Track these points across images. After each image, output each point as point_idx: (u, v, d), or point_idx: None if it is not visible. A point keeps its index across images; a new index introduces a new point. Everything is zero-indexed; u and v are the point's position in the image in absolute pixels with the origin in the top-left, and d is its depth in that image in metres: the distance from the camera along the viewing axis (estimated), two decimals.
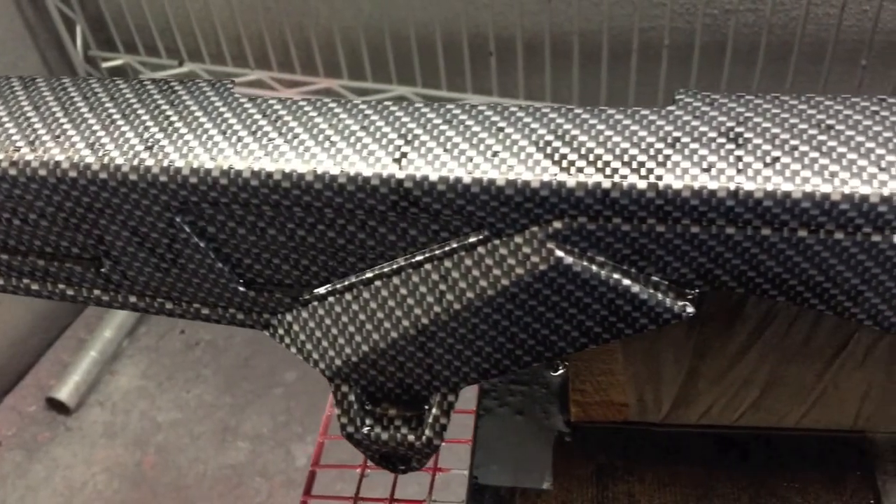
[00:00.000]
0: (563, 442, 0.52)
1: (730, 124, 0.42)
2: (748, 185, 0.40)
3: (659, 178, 0.40)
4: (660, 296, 0.43)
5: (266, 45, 1.31)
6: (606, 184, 0.41)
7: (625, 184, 0.40)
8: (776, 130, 0.42)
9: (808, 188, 0.39)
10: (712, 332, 0.47)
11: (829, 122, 0.42)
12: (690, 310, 0.43)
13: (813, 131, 0.42)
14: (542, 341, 0.46)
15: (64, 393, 1.46)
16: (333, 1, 1.23)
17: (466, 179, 0.41)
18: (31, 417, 1.46)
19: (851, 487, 0.48)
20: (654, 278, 0.43)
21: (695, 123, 0.43)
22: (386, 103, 0.46)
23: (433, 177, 0.41)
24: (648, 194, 0.40)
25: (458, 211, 0.42)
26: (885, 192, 0.39)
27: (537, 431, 0.53)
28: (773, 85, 1.10)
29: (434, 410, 0.49)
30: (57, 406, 1.47)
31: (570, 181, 0.41)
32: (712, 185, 0.40)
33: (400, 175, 0.42)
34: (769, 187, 0.40)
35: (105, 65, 1.41)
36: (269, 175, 0.42)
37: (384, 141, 0.43)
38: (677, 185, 0.40)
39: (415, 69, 1.25)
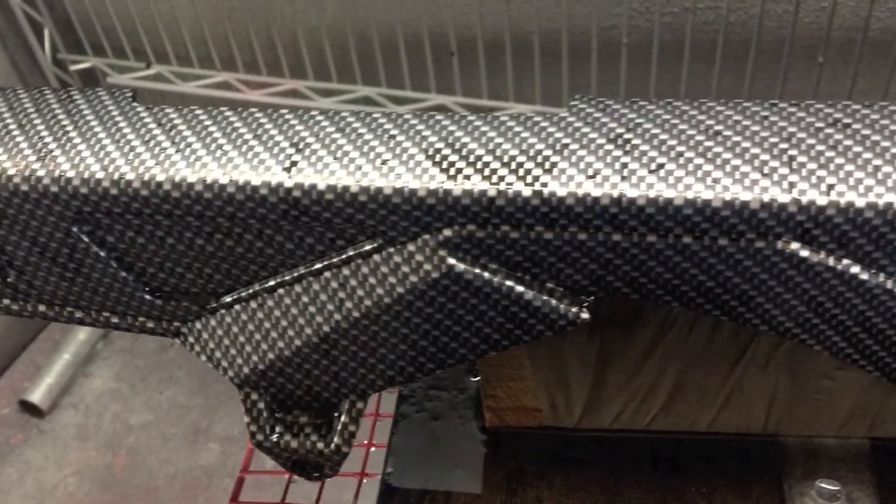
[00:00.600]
0: (478, 447, 0.52)
1: (619, 130, 0.42)
2: (631, 193, 0.40)
3: (544, 185, 0.40)
4: (554, 302, 0.43)
5: (232, 47, 1.31)
6: (492, 191, 0.41)
7: (510, 191, 0.40)
8: (664, 137, 0.42)
9: (689, 195, 0.39)
10: (614, 338, 0.47)
11: (718, 127, 0.42)
12: (585, 316, 0.43)
13: (700, 137, 0.42)
14: (442, 348, 0.46)
15: (37, 395, 1.47)
16: (297, 2, 1.23)
17: (354, 188, 0.41)
18: (3, 420, 1.47)
19: (758, 492, 0.48)
20: (549, 285, 0.43)
21: (585, 130, 0.43)
22: (282, 111, 0.45)
23: (321, 185, 0.41)
24: (533, 202, 0.40)
25: (349, 219, 0.42)
26: (766, 198, 0.39)
27: (452, 436, 0.53)
28: (734, 82, 1.10)
29: (343, 417, 0.50)
30: (30, 408, 1.47)
31: (456, 189, 0.41)
32: (596, 193, 0.40)
33: (288, 184, 0.42)
34: (651, 194, 0.40)
35: (74, 67, 1.41)
36: (160, 185, 0.42)
37: (276, 150, 0.43)
38: (562, 192, 0.40)
39: (379, 70, 1.25)
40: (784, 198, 0.39)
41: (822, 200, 0.39)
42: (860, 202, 0.38)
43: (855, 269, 0.40)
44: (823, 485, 0.42)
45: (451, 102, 1.23)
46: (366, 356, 0.47)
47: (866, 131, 0.41)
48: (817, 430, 0.51)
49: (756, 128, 0.42)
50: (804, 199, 0.39)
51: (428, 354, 0.46)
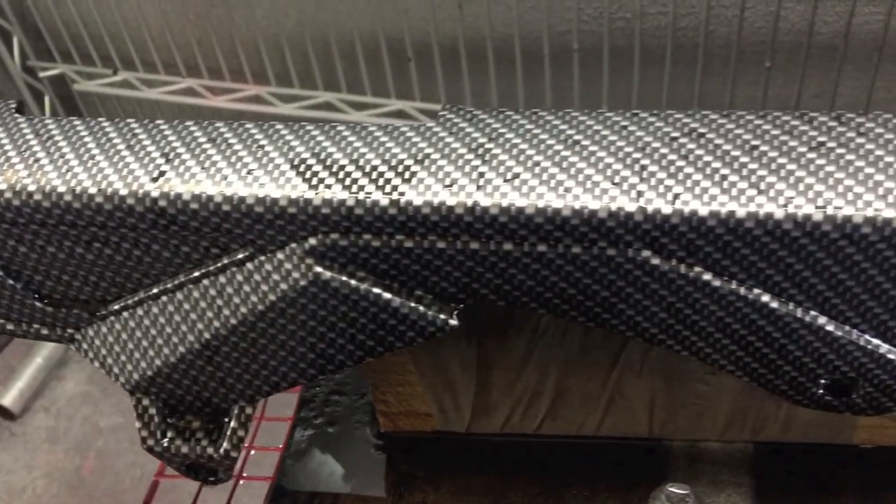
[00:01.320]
0: (371, 451, 0.53)
1: (482, 140, 0.43)
2: (485, 202, 0.40)
3: (402, 194, 0.41)
4: (422, 309, 0.44)
5: (195, 54, 1.32)
6: (351, 201, 0.41)
7: (368, 201, 0.41)
8: (524, 146, 0.42)
9: (540, 203, 0.40)
10: (492, 344, 0.48)
11: (577, 137, 0.43)
12: (453, 322, 0.44)
13: (559, 147, 0.42)
14: (321, 354, 0.46)
15: (9, 399, 1.48)
16: (258, 10, 1.24)
17: (218, 198, 0.42)
18: None
19: (639, 494, 0.48)
20: (418, 292, 0.44)
21: (449, 140, 0.43)
22: (158, 122, 0.46)
23: (186, 195, 0.42)
24: (391, 211, 0.41)
25: (216, 229, 0.43)
26: (613, 207, 0.40)
27: (347, 441, 0.54)
28: (687, 87, 1.10)
29: (232, 423, 0.50)
30: (2, 412, 1.49)
31: (316, 199, 0.42)
32: (451, 202, 0.41)
33: (155, 193, 0.43)
34: (504, 203, 0.40)
35: (43, 74, 1.42)
36: (30, 195, 0.43)
37: (146, 160, 0.44)
38: (418, 201, 0.41)
39: (339, 76, 1.25)
40: (631, 207, 0.39)
41: (667, 209, 0.39)
42: (703, 211, 0.39)
43: (707, 277, 0.41)
44: (672, 489, 0.43)
45: (411, 108, 1.23)
46: (249, 362, 0.48)
47: (718, 140, 0.42)
48: (701, 434, 0.51)
49: (613, 137, 0.43)
50: (650, 208, 0.39)
51: (307, 360, 0.47)
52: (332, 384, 0.57)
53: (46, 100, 1.46)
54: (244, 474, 0.57)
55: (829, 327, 0.42)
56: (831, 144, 0.41)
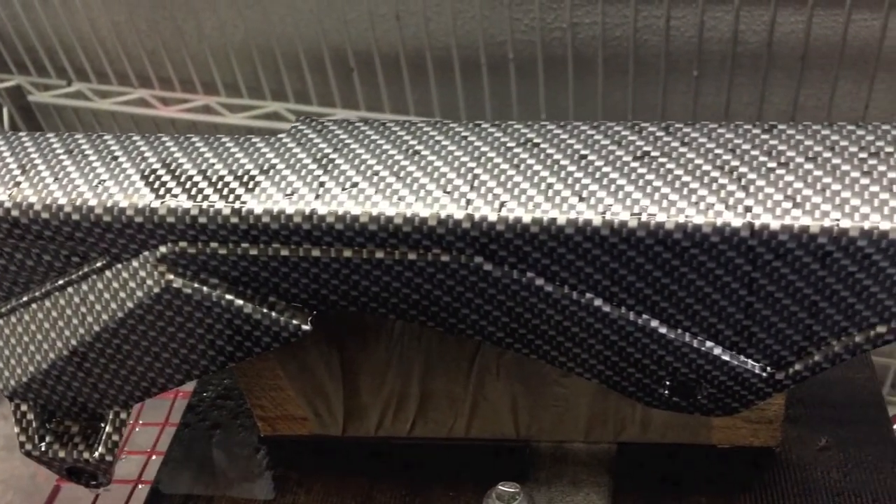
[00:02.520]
0: (249, 455, 0.54)
1: (327, 151, 0.45)
2: (322, 210, 0.42)
3: (244, 203, 0.42)
4: (274, 315, 0.45)
5: (146, 65, 1.34)
6: (195, 210, 0.43)
7: (211, 210, 0.43)
8: (367, 157, 0.44)
9: (374, 212, 0.41)
10: (353, 348, 0.49)
11: (419, 147, 0.44)
12: (307, 328, 0.45)
13: (399, 157, 0.44)
14: (184, 360, 0.48)
15: None
16: (204, 24, 1.25)
17: (68, 207, 0.44)
18: None
19: None
20: (272, 298, 0.45)
21: (296, 150, 0.45)
22: (19, 133, 0.48)
23: (38, 205, 0.44)
24: (233, 219, 0.42)
25: (70, 238, 0.45)
26: (443, 214, 0.41)
27: (228, 445, 0.55)
28: (623, 96, 1.12)
29: (107, 427, 0.52)
30: None
31: (162, 208, 0.43)
32: (290, 210, 0.42)
33: (8, 204, 0.44)
34: (340, 211, 0.42)
35: (0, 86, 1.44)
36: None
37: (3, 171, 0.45)
38: (258, 210, 0.42)
39: (286, 86, 1.27)
40: (459, 214, 0.41)
41: (493, 216, 0.41)
42: (527, 218, 0.40)
43: (539, 282, 0.42)
44: (502, 487, 0.44)
45: (356, 117, 1.25)
46: (117, 368, 0.49)
47: (551, 150, 0.43)
48: (565, 435, 0.52)
49: (452, 147, 0.44)
50: (477, 216, 0.41)
51: (173, 366, 0.48)
52: (220, 388, 0.59)
53: (5, 111, 1.47)
54: (142, 479, 0.58)
55: (663, 330, 0.44)
56: (655, 154, 0.42)
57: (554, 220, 0.40)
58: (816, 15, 0.99)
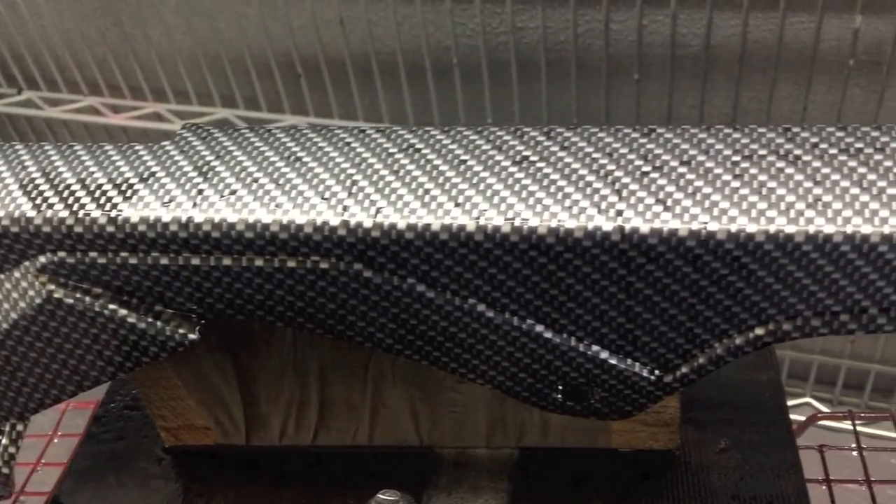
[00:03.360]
0: (152, 465, 0.54)
1: (209, 158, 0.44)
2: (199, 218, 0.41)
3: (120, 211, 0.42)
4: (159, 324, 0.45)
5: (96, 73, 1.33)
6: (70, 219, 0.42)
7: (87, 219, 0.42)
8: (248, 163, 0.44)
9: (251, 219, 0.41)
10: (246, 356, 0.49)
11: (301, 154, 0.44)
12: (193, 336, 0.45)
13: (281, 164, 0.44)
14: (74, 370, 0.47)
15: None
16: (151, 31, 1.25)
17: None
18: None
19: None
20: (157, 307, 0.45)
21: (178, 158, 0.44)
22: None
23: None
24: (108, 228, 0.42)
25: None
26: (319, 221, 0.41)
27: (131, 455, 0.55)
28: (566, 101, 1.12)
29: (3, 440, 0.51)
30: None
31: (38, 217, 0.42)
32: (167, 218, 0.42)
33: None
34: (217, 219, 0.41)
35: None
36: None
37: None
38: (135, 218, 0.42)
39: (234, 92, 1.27)
40: (335, 220, 0.41)
41: (368, 223, 0.40)
42: (402, 223, 0.40)
43: (421, 288, 0.42)
44: (381, 495, 0.44)
45: (305, 123, 1.24)
46: (8, 380, 0.48)
47: (432, 156, 0.43)
48: (468, 441, 0.52)
49: (335, 154, 0.44)
50: (353, 222, 0.40)
51: (63, 377, 0.48)
52: (127, 399, 0.58)
53: None
54: (26, 490, 0.58)
55: (548, 335, 0.43)
56: (534, 158, 0.42)
57: (428, 225, 0.40)
58: (753, 17, 0.99)
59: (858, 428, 0.61)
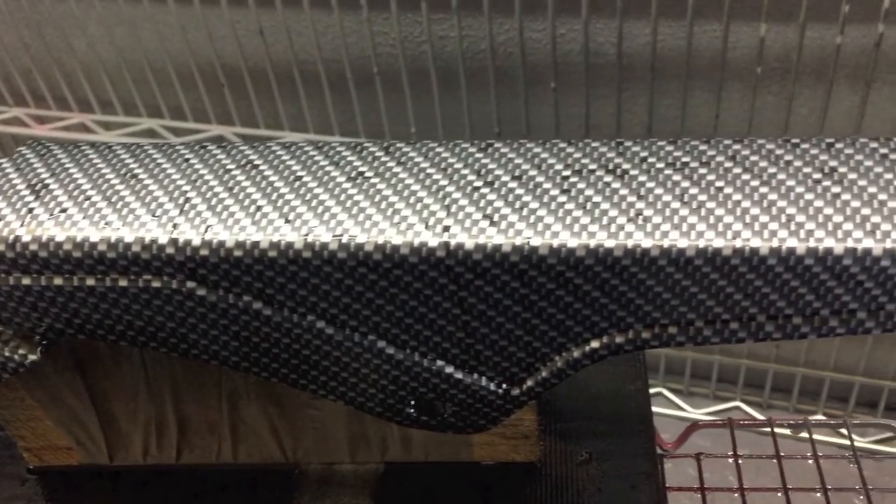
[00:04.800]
0: (15, 487, 0.53)
1: (44, 176, 0.44)
2: (26, 237, 0.41)
3: None
4: (1, 346, 0.44)
5: (20, 83, 1.31)
6: None
7: None
8: (82, 181, 0.43)
9: (79, 237, 0.41)
10: (101, 375, 0.48)
11: (137, 171, 0.44)
12: (34, 357, 0.44)
13: (115, 181, 0.43)
14: None
15: None
16: (72, 41, 1.23)
17: None
18: None
19: None
20: None
21: (12, 176, 0.44)
22: None
23: None
24: None
25: None
26: (147, 238, 0.40)
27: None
28: (489, 110, 1.12)
29: None
30: None
31: None
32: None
33: None
34: (44, 237, 0.41)
35: None
36: None
37: None
38: None
39: (159, 102, 1.26)
40: (164, 239, 0.40)
41: (197, 241, 0.40)
42: (230, 241, 0.40)
43: (257, 306, 0.42)
44: None
45: (230, 133, 1.24)
46: None
47: (269, 172, 0.43)
48: (333, 457, 0.52)
49: (172, 170, 0.43)
50: (182, 240, 0.40)
51: None
52: None
53: None
54: None
55: (391, 350, 0.43)
56: (369, 174, 0.42)
57: (257, 242, 0.40)
58: (663, 25, 1.00)
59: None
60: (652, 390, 1.36)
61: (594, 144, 0.42)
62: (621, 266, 0.38)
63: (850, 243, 0.36)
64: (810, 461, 0.59)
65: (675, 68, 1.04)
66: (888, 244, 0.36)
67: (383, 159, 0.43)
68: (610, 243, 0.38)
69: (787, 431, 1.14)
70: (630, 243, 0.38)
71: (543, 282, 0.39)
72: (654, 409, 1.46)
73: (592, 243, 0.38)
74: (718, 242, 0.37)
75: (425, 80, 1.12)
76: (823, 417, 1.30)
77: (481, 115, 1.14)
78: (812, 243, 0.37)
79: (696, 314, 0.40)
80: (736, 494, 0.57)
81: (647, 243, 0.38)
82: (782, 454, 0.59)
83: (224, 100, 1.22)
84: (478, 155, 0.43)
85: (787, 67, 1.00)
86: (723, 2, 0.93)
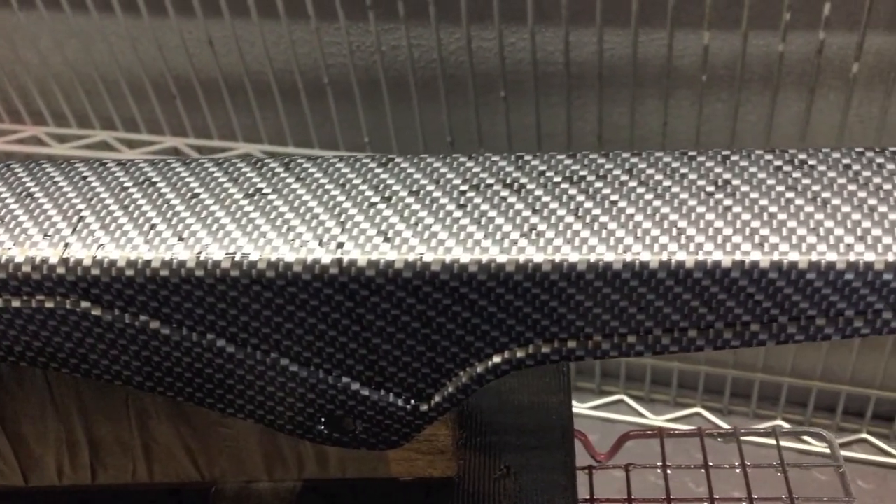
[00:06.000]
0: None
1: None
2: None
3: None
4: None
5: None
6: None
7: None
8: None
9: None
10: (6, 396, 0.48)
11: (33, 189, 0.43)
12: None
13: (10, 199, 0.42)
14: None
15: None
16: (21, 54, 1.22)
17: None
18: None
19: None
20: None
21: None
22: None
23: None
24: None
25: None
26: (38, 259, 0.40)
27: None
28: (442, 120, 1.12)
29: None
30: None
31: None
32: None
33: None
34: None
35: None
36: None
37: None
38: None
39: (112, 114, 1.25)
40: (54, 258, 0.40)
41: (88, 261, 0.39)
42: (121, 261, 0.39)
43: (155, 325, 0.41)
44: None
45: (184, 144, 1.23)
46: None
47: (166, 189, 0.42)
48: (250, 475, 0.51)
49: (68, 188, 0.43)
50: (73, 260, 0.39)
51: None
52: None
53: None
54: None
55: (294, 368, 0.43)
56: (267, 191, 0.42)
57: (149, 262, 0.39)
58: (610, 34, 1.00)
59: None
60: (613, 398, 1.37)
61: (494, 158, 0.42)
62: (514, 281, 0.38)
63: (737, 256, 0.36)
64: (739, 470, 0.59)
65: (624, 77, 1.04)
66: (775, 256, 0.36)
67: (282, 175, 0.42)
68: (502, 259, 0.37)
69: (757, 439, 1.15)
70: (522, 258, 0.37)
71: (439, 298, 0.39)
72: (615, 416, 1.46)
73: (485, 259, 0.38)
74: (609, 256, 0.37)
75: (377, 90, 1.12)
76: (785, 424, 1.31)
77: (435, 125, 1.14)
78: (700, 256, 0.36)
79: (594, 328, 0.39)
80: None
81: (538, 258, 0.37)
82: (710, 464, 0.59)
83: (177, 111, 1.21)
84: (377, 170, 0.42)
85: (735, 75, 1.00)
86: (667, 10, 0.94)
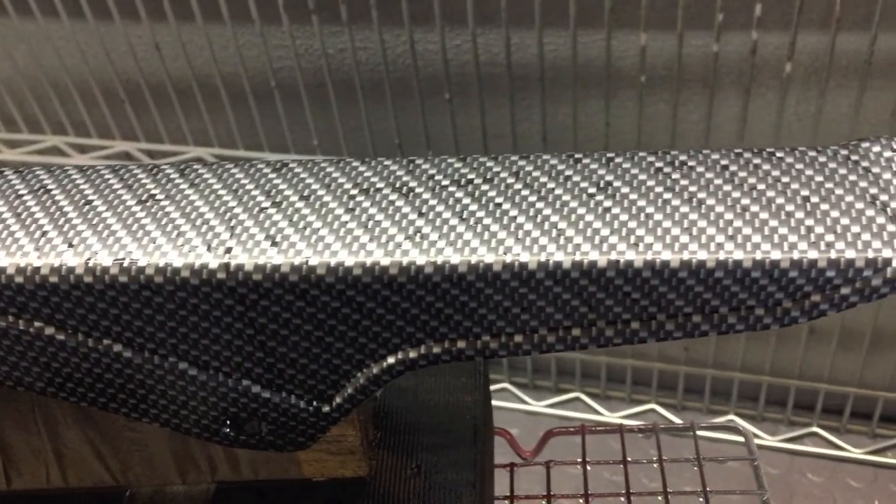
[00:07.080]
0: None
1: None
2: None
3: None
4: None
5: None
6: None
7: None
8: None
9: None
10: None
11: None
12: None
13: None
14: None
15: None
16: None
17: None
18: None
19: None
20: None
21: None
22: None
23: None
24: None
25: None
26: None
27: None
28: (390, 122, 1.13)
29: None
30: None
31: None
32: None
33: None
34: None
35: None
36: None
37: None
38: None
39: (63, 119, 1.24)
40: None
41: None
42: (11, 268, 0.40)
43: (50, 331, 0.41)
44: None
45: (135, 149, 1.23)
46: None
47: (59, 196, 0.42)
48: (163, 479, 0.52)
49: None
50: None
51: None
52: None
53: None
54: None
55: (193, 372, 0.43)
56: (160, 197, 0.42)
57: (38, 269, 0.39)
58: (551, 35, 1.01)
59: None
60: (570, 395, 1.38)
61: (387, 163, 0.43)
62: (398, 283, 0.38)
63: (613, 255, 0.37)
64: (655, 465, 0.60)
65: (567, 78, 1.05)
66: (648, 255, 0.37)
67: (177, 181, 0.43)
68: (385, 261, 0.38)
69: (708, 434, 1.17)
70: (405, 261, 0.38)
71: (327, 300, 0.39)
72: (571, 413, 1.46)
73: (369, 262, 0.38)
74: (490, 258, 0.38)
75: (325, 93, 1.12)
76: (730, 420, 1.33)
77: (384, 126, 1.15)
78: (578, 256, 0.37)
79: (482, 328, 0.40)
80: (581, 500, 0.58)
81: (421, 260, 0.38)
82: (629, 459, 0.60)
83: (128, 116, 1.21)
84: (271, 175, 0.43)
85: (674, 75, 1.01)
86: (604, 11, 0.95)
